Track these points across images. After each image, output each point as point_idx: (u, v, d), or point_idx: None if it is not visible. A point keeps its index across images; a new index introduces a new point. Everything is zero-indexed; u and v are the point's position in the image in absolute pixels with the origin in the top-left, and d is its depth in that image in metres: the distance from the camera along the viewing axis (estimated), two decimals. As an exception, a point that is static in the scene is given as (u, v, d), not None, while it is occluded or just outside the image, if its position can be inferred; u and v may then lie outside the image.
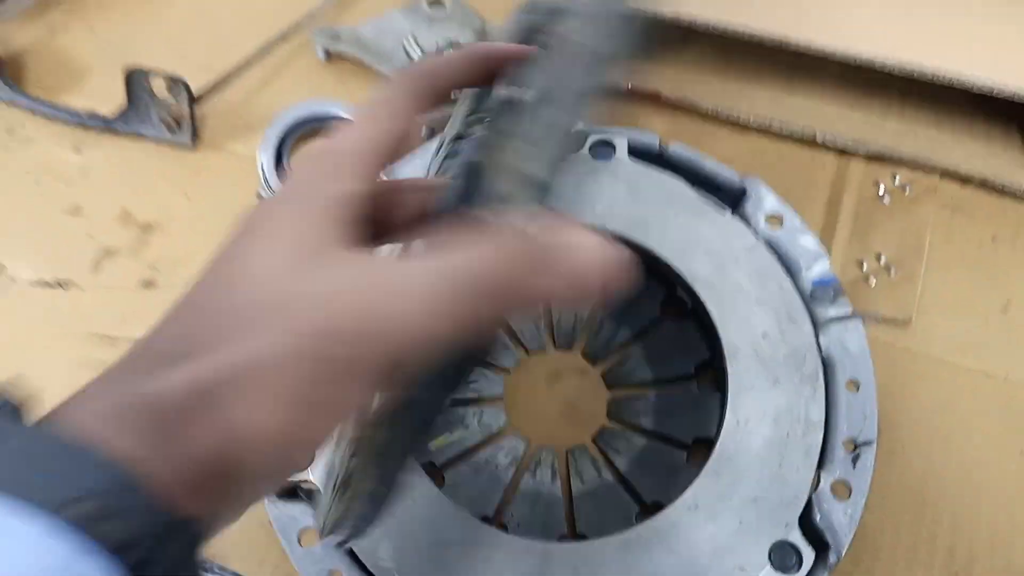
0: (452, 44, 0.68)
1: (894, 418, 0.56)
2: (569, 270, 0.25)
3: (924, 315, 0.60)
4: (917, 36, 0.57)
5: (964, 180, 0.63)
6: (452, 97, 0.34)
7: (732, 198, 0.59)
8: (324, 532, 0.37)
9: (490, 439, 0.57)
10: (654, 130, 0.67)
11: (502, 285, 0.25)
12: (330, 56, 0.74)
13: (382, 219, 0.31)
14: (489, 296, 0.25)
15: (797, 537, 0.47)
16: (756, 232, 0.56)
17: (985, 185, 0.63)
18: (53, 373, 0.60)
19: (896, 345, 0.59)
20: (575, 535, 0.53)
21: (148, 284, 0.64)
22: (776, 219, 0.57)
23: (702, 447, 0.53)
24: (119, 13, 0.77)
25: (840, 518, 0.48)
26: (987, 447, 0.55)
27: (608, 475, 0.55)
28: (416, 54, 0.68)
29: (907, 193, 0.63)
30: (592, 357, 0.60)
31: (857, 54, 0.57)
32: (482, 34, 0.72)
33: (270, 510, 0.48)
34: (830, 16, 0.57)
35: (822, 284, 0.55)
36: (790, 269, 0.55)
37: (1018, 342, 0.59)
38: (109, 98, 0.72)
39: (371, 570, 0.46)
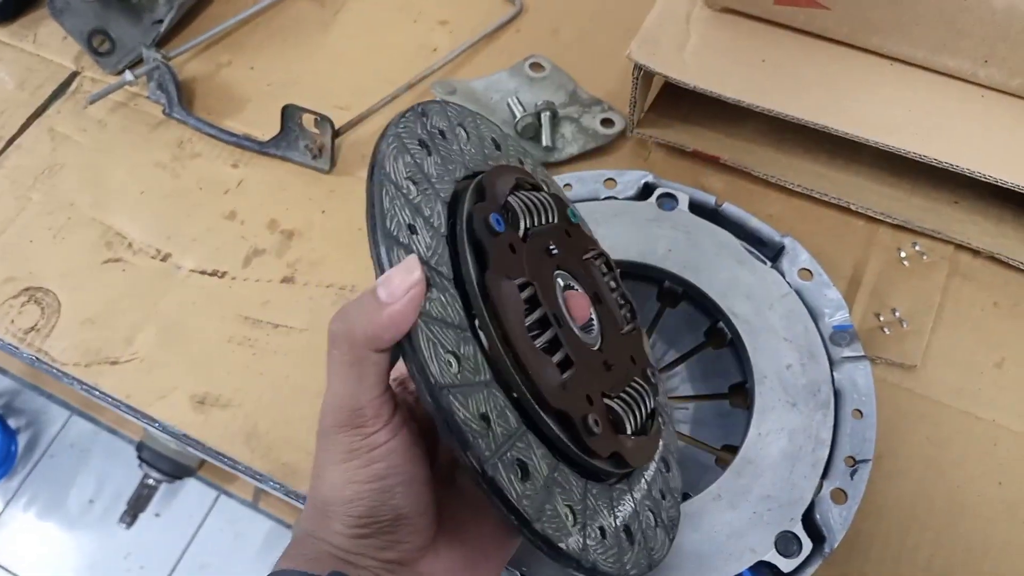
0: (548, 104, 0.82)
1: (895, 446, 0.67)
2: None
3: (928, 363, 0.71)
4: (939, 133, 0.67)
5: (975, 253, 0.74)
6: None
7: (772, 252, 0.71)
8: None
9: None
10: (713, 187, 0.80)
11: None
12: (445, 104, 0.88)
13: None
14: None
15: (799, 530, 0.59)
16: (790, 282, 0.68)
17: (993, 259, 0.74)
18: (206, 344, 0.75)
19: (902, 386, 0.70)
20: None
21: (287, 279, 0.79)
22: (807, 272, 0.69)
23: (729, 452, 0.65)
24: (275, 57, 0.93)
25: (836, 518, 0.59)
26: (971, 477, 0.66)
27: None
28: (518, 110, 0.82)
29: (924, 259, 0.74)
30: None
31: (888, 144, 0.68)
32: (574, 95, 0.85)
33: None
34: (867, 112, 0.68)
35: (840, 329, 0.66)
36: (815, 315, 0.67)
37: (1007, 393, 0.69)
38: (263, 125, 0.88)
39: None
